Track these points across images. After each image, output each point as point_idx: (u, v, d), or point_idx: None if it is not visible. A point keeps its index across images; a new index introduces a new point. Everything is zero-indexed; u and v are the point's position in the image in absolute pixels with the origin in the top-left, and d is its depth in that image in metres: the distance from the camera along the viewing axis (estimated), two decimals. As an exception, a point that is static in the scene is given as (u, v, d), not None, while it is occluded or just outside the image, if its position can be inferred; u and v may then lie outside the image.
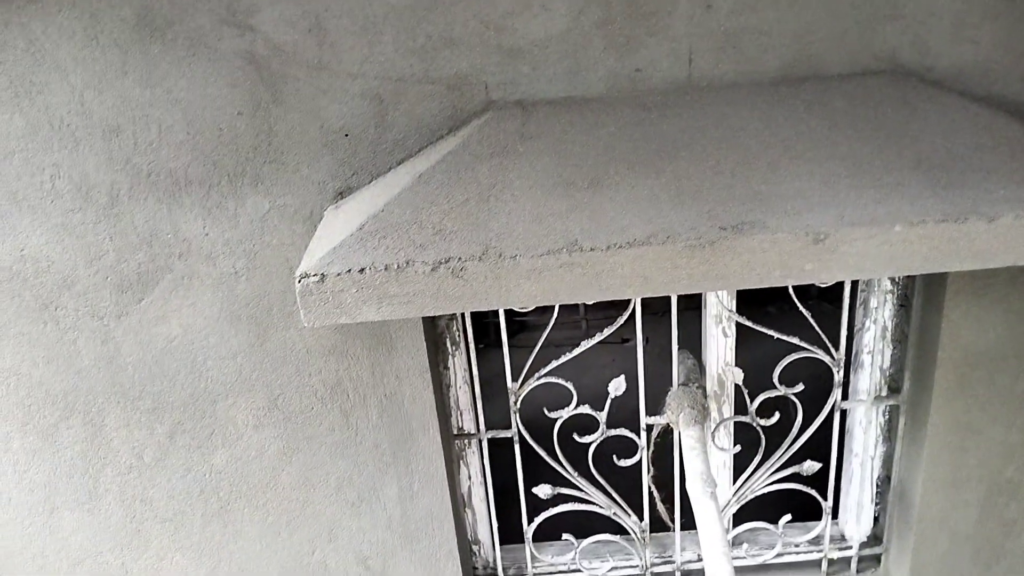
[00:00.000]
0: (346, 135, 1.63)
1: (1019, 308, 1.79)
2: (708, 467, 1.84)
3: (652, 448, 2.11)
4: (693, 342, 2.13)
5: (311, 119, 1.62)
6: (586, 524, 2.25)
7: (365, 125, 1.62)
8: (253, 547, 2.07)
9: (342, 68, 1.58)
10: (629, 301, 1.89)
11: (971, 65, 1.59)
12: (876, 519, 2.23)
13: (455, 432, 2.10)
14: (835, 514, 2.33)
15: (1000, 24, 1.56)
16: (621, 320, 1.93)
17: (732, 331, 2.00)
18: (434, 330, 1.96)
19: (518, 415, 2.04)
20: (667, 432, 2.09)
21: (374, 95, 1.60)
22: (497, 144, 1.55)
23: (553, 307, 1.80)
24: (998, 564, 2.10)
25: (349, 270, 1.36)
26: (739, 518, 2.20)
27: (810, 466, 2.09)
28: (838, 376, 1.99)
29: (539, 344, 1.92)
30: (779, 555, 2.23)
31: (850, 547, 2.23)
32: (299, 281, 1.37)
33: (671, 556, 2.25)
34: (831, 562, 2.24)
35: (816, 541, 2.23)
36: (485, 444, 2.11)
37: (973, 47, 1.58)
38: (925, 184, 1.39)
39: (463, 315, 1.96)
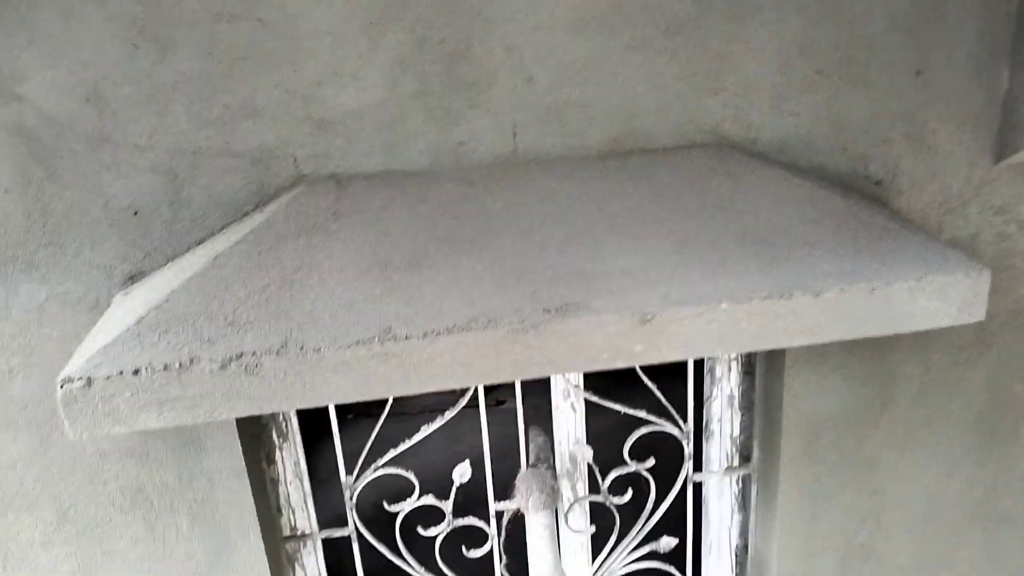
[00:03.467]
0: (135, 213, 1.45)
1: (857, 373, 1.79)
2: (557, 556, 1.72)
3: (504, 535, 1.97)
4: (545, 416, 2.03)
5: (93, 196, 1.43)
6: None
7: (157, 202, 1.45)
8: None
9: (127, 140, 1.40)
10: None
11: (793, 137, 1.60)
12: (737, 591, 2.18)
13: (287, 533, 1.89)
14: (697, 588, 2.26)
15: (818, 97, 1.58)
16: (463, 402, 1.80)
17: (581, 405, 1.91)
18: (256, 422, 1.76)
19: (355, 511, 1.86)
20: (520, 516, 1.96)
21: (166, 169, 1.43)
22: (306, 222, 1.41)
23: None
24: (856, 631, 2.08)
25: (121, 372, 1.17)
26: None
27: (666, 543, 2.01)
28: (688, 448, 1.93)
29: (373, 436, 1.76)
30: (642, 638, 2.13)
31: (712, 624, 2.16)
32: (61, 387, 1.16)
33: (531, 649, 2.10)
34: (694, 642, 2.15)
35: (679, 620, 2.14)
36: (319, 544, 1.91)
37: (794, 119, 1.59)
38: (751, 259, 1.35)
39: (289, 404, 1.78)
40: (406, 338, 1.22)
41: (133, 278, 1.48)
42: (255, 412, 1.22)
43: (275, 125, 1.44)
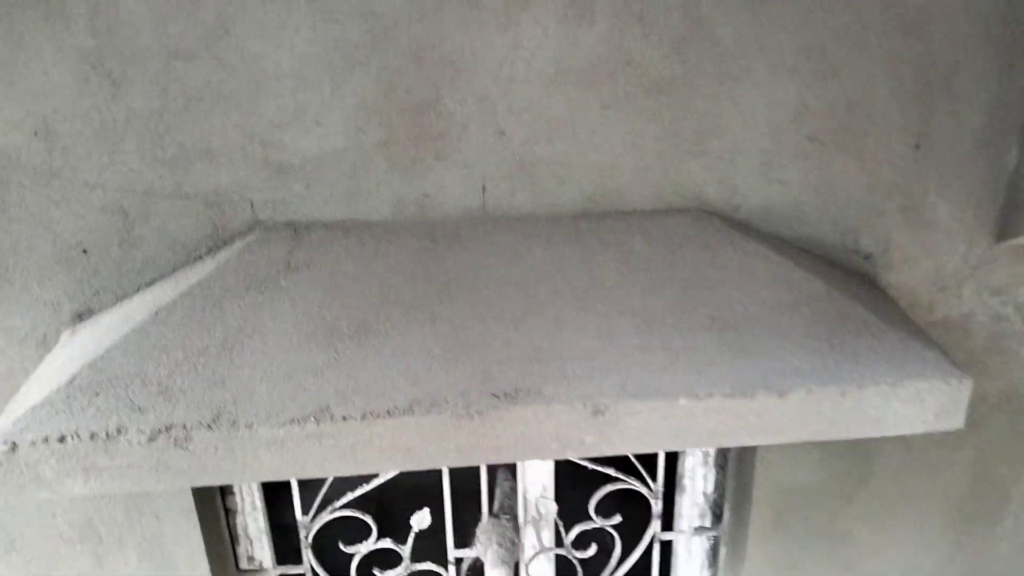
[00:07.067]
0: (84, 251, 1.39)
1: (835, 447, 1.72)
2: (509, 617, 1.68)
3: (463, 579, 1.93)
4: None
5: (42, 232, 1.37)
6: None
7: (107, 241, 1.39)
8: None
9: (77, 177, 1.35)
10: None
11: (780, 205, 1.51)
12: (701, 645, 2.13)
13: (244, 565, 1.86)
14: (662, 637, 2.22)
15: (809, 165, 1.49)
16: (425, 447, 1.74)
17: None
18: (211, 457, 1.72)
19: (310, 550, 1.82)
20: (480, 564, 1.92)
21: (117, 208, 1.37)
22: (256, 275, 1.35)
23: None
24: None
25: (46, 438, 1.13)
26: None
27: (629, 598, 1.97)
28: (656, 508, 1.87)
29: (328, 480, 1.72)
30: None
31: None
32: (-16, 449, 1.12)
33: None
34: None
35: (639, 670, 2.10)
36: (275, 579, 1.89)
37: (781, 187, 1.50)
38: (716, 349, 1.28)
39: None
40: (343, 419, 1.17)
41: (81, 316, 1.44)
42: (185, 485, 1.18)
43: (231, 168, 1.37)
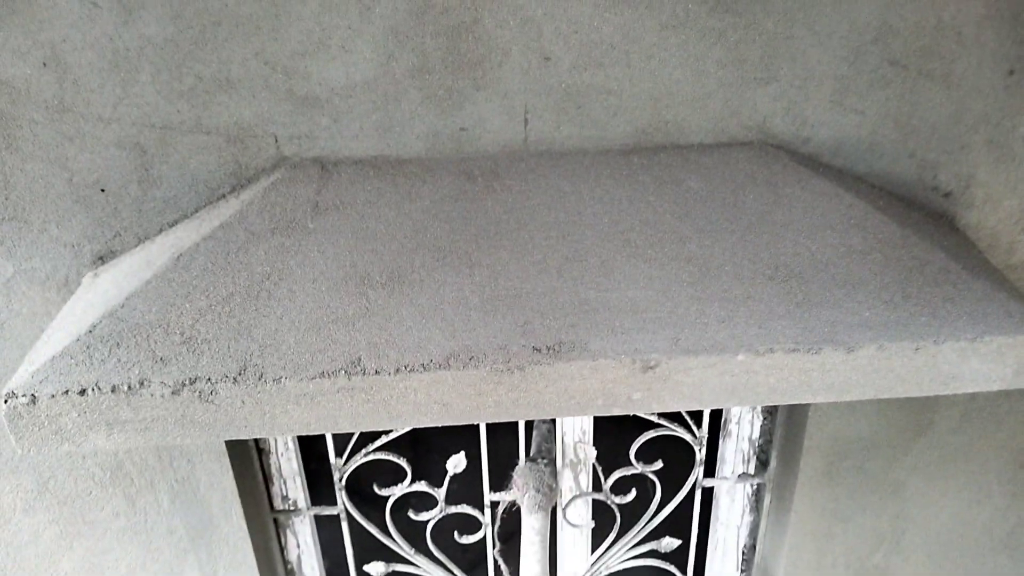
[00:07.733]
0: (102, 190, 1.32)
1: (894, 397, 1.62)
2: (545, 566, 1.64)
3: (499, 523, 1.90)
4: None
5: (56, 170, 1.30)
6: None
7: (125, 180, 1.31)
8: (38, 633, 1.79)
9: (91, 111, 1.25)
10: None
11: (854, 138, 1.37)
12: (741, 587, 2.10)
13: (280, 502, 1.85)
14: (700, 579, 2.19)
15: (889, 93, 1.34)
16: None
17: (590, 399, 1.79)
18: (243, 399, 1.68)
19: (344, 492, 1.79)
20: (516, 507, 1.88)
21: (134, 144, 1.28)
22: (283, 217, 1.26)
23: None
24: (861, 644, 1.99)
25: (67, 391, 1.07)
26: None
27: (668, 543, 1.92)
28: (700, 454, 1.80)
29: (363, 421, 1.66)
30: (637, 628, 2.08)
31: (711, 621, 2.09)
32: (5, 402, 1.07)
33: (522, 627, 2.07)
34: (691, 635, 2.10)
35: (677, 612, 2.08)
36: (311, 518, 1.87)
37: (857, 117, 1.36)
38: (779, 300, 1.17)
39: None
40: (376, 372, 1.09)
41: (103, 258, 1.37)
42: (211, 439, 1.12)
43: (253, 100, 1.27)
